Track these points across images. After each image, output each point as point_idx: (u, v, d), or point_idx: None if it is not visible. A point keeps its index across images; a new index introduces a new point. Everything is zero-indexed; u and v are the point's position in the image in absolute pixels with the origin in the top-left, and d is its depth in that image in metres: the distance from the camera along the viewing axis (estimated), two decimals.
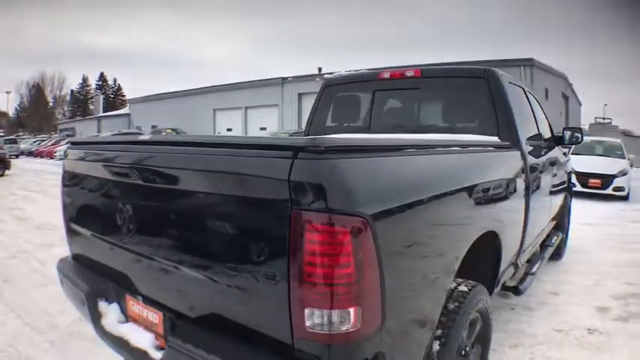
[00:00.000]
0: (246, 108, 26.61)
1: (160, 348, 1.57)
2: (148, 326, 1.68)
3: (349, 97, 3.41)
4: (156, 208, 1.62)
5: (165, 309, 1.60)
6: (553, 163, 3.68)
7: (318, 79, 22.38)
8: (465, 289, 1.83)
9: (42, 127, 51.37)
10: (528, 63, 18.31)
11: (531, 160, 2.80)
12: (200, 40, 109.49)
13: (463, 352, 1.88)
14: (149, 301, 1.67)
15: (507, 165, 2.47)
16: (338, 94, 3.46)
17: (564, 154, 4.56)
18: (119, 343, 1.72)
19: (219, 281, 1.38)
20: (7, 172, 15.74)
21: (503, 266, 2.37)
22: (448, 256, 1.68)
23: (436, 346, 1.64)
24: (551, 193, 3.67)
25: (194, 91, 30.32)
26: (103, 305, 1.86)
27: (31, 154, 29.64)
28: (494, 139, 2.63)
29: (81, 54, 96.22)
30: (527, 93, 3.51)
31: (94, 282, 1.92)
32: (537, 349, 2.84)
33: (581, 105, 35.07)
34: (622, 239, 5.82)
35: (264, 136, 2.54)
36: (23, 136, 42.79)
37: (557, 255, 4.66)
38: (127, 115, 37.27)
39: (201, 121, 28.58)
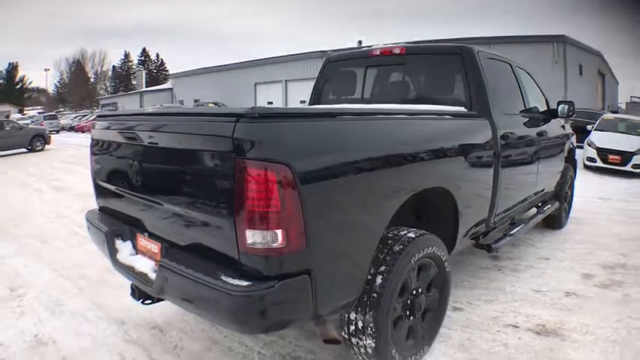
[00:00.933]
0: (286, 81, 26.88)
1: (156, 271, 1.99)
2: (150, 255, 2.12)
3: (347, 72, 3.65)
4: (152, 163, 2.07)
5: (162, 240, 2.04)
6: (542, 133, 3.80)
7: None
8: (412, 235, 2.17)
9: (83, 102, 52.23)
10: (560, 39, 17.76)
11: (506, 129, 2.99)
12: (243, 12, 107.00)
13: (415, 292, 2.21)
14: (152, 236, 2.12)
15: (467, 132, 2.70)
16: (337, 70, 3.71)
17: (562, 126, 4.60)
18: (129, 271, 2.18)
19: (192, 216, 1.86)
20: (47, 146, 16.79)
21: (463, 223, 2.63)
22: (378, 204, 1.98)
23: (379, 280, 2.00)
24: (542, 162, 3.80)
25: (235, 65, 30.61)
26: (118, 243, 2.32)
27: (72, 129, 30.41)
28: (460, 109, 2.85)
29: (122, 30, 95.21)
30: (516, 69, 3.67)
31: (113, 225, 2.39)
32: (511, 306, 3.06)
33: (618, 83, 33.44)
34: (631, 214, 5.78)
35: (225, 107, 2.94)
36: (64, 112, 44.03)
37: (557, 224, 4.78)
38: (170, 89, 37.83)
39: (242, 95, 28.87)
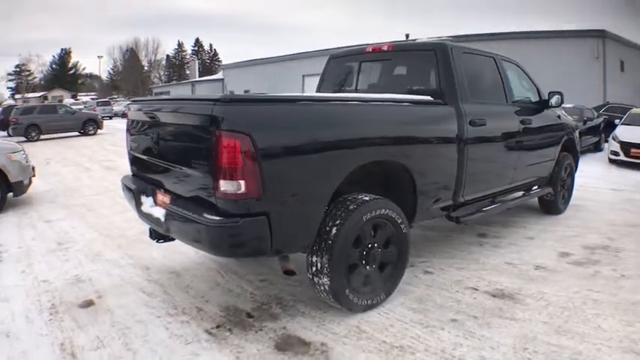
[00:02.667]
0: None
1: (165, 215, 2.65)
2: (164, 205, 2.73)
3: (346, 66, 4.13)
4: (164, 136, 2.71)
5: (172, 194, 2.67)
6: (527, 122, 4.11)
7: None
8: (367, 198, 2.66)
9: (137, 90, 53.78)
10: (600, 35, 17.07)
11: (475, 116, 3.38)
12: (297, 4, 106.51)
13: (370, 246, 2.68)
14: (166, 191, 2.74)
15: (427, 118, 3.14)
16: (339, 65, 4.20)
17: (558, 116, 4.81)
18: (149, 218, 2.86)
19: (189, 174, 2.49)
20: (99, 131, 18.24)
21: (422, 195, 3.06)
22: (325, 170, 2.48)
23: (334, 230, 2.51)
24: (527, 148, 4.12)
25: (284, 57, 31.53)
26: (143, 198, 2.96)
27: (124, 116, 32.39)
28: (427, 97, 3.26)
29: (175, 19, 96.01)
30: (502, 62, 4.03)
31: (140, 185, 3.04)
32: (478, 273, 3.42)
33: None
34: (636, 204, 5.81)
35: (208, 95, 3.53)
36: (117, 99, 46.00)
37: (554, 210, 5.00)
38: (221, 80, 38.98)
39: (290, 86, 29.68)
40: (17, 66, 57.26)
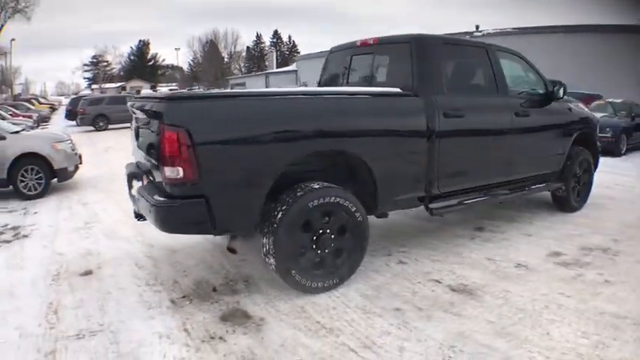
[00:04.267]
0: None
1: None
2: (139, 188, 3.15)
3: (342, 60, 4.26)
4: (141, 129, 3.13)
5: (150, 179, 3.05)
6: (524, 114, 3.99)
7: (467, 37, 22.72)
8: (316, 186, 2.84)
9: (217, 81, 55.24)
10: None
11: (451, 109, 3.38)
12: None
13: (321, 231, 2.88)
14: (148, 177, 3.11)
15: (388, 110, 3.20)
16: (336, 58, 4.35)
17: (569, 109, 4.55)
18: (132, 199, 3.30)
19: (154, 162, 2.82)
20: None
21: (384, 185, 3.15)
22: (263, 159, 2.70)
23: (279, 215, 2.75)
24: (525, 141, 4.03)
25: None
26: (134, 182, 3.37)
27: None
28: (394, 90, 3.31)
29: (253, 11, 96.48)
30: (496, 53, 3.93)
31: (135, 171, 3.44)
32: (451, 267, 3.44)
33: None
34: None
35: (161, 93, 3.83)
36: (197, 90, 48.18)
37: (567, 207, 4.77)
38: (295, 71, 39.69)
39: None
40: (94, 57, 60.75)
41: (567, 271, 3.39)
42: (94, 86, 57.75)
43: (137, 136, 3.33)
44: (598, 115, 9.62)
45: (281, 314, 2.75)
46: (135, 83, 55.74)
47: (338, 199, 2.91)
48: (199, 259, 3.67)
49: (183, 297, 2.99)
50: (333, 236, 2.95)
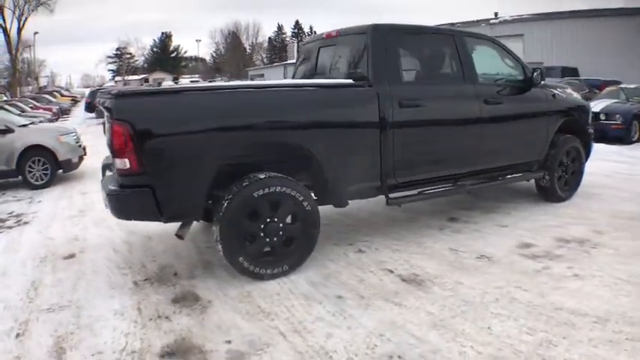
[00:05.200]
0: None
1: None
2: None
3: (311, 53, 4.28)
4: (106, 122, 3.25)
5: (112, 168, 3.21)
6: (495, 102, 3.92)
7: (483, 24, 22.77)
8: (262, 177, 2.93)
9: (240, 72, 55.37)
10: None
11: (406, 98, 3.38)
12: None
13: (269, 220, 2.98)
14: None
15: (340, 101, 3.24)
16: (305, 50, 4.39)
17: (553, 95, 4.38)
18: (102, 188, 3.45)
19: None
20: None
21: (333, 176, 3.21)
22: (203, 152, 2.81)
23: (225, 204, 2.86)
24: (496, 130, 3.96)
25: None
26: (107, 172, 3.55)
27: None
28: (346, 81, 3.34)
29: (274, 1, 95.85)
30: (462, 40, 3.85)
31: (106, 162, 3.62)
32: (409, 256, 3.45)
33: None
34: None
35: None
36: (219, 81, 49.09)
37: (553, 197, 4.63)
38: None
39: None
40: (117, 49, 61.78)
41: (533, 263, 3.30)
42: (117, 78, 59.01)
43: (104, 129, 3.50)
44: (609, 101, 9.30)
45: (228, 298, 2.88)
46: (157, 75, 56.53)
47: (284, 189, 2.98)
48: (170, 245, 3.84)
49: (146, 279, 3.18)
50: (281, 225, 3.02)
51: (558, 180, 4.57)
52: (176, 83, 31.98)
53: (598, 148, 8.41)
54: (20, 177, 6.47)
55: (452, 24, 24.75)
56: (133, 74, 59.29)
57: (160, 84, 32.89)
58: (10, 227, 4.74)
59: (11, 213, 5.30)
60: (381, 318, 2.60)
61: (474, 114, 3.79)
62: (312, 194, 3.31)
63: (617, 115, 8.58)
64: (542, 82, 4.17)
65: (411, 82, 3.47)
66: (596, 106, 8.93)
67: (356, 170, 3.32)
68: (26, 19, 34.88)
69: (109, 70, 64.94)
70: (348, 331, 2.48)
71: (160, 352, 2.34)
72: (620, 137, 8.54)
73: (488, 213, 4.44)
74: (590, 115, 4.99)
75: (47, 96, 26.54)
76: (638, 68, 13.42)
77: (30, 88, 39.83)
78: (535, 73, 4.05)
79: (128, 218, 3.03)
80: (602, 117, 8.76)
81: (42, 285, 3.17)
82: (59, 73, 63.64)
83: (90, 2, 73.64)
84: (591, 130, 4.89)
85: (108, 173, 3.51)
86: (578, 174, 4.78)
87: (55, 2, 35.33)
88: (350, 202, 3.45)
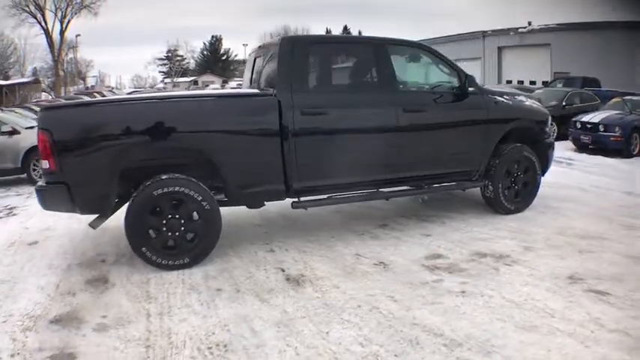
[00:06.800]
0: (456, 60, 27.30)
1: None
2: None
3: (250, 61, 4.61)
4: None
5: None
6: (415, 110, 4.01)
7: (512, 32, 23.12)
8: (164, 177, 3.35)
9: None
10: None
11: (309, 107, 3.64)
12: None
13: (170, 216, 3.40)
14: None
15: (239, 110, 3.60)
16: (250, 59, 4.69)
17: (495, 102, 4.22)
18: None
19: None
20: None
21: (232, 180, 3.55)
22: (108, 156, 3.30)
23: (130, 201, 3.35)
24: (420, 139, 4.06)
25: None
26: None
27: None
28: (254, 91, 3.70)
29: (322, 7, 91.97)
30: (384, 49, 3.99)
31: None
32: (310, 258, 3.66)
33: None
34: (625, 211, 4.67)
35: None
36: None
37: (500, 208, 4.54)
38: None
39: (422, 73, 30.06)
40: (168, 51, 62.89)
41: (429, 275, 3.33)
42: (167, 80, 60.71)
43: None
44: (611, 112, 9.03)
45: (129, 283, 3.32)
46: (207, 78, 57.10)
47: (183, 189, 3.37)
48: (114, 237, 4.23)
49: (78, 264, 3.73)
50: (183, 221, 3.42)
51: (506, 191, 4.42)
52: (223, 87, 33.33)
53: (594, 161, 8.02)
54: (25, 174, 7.40)
55: (484, 32, 25.30)
56: (182, 76, 60.72)
57: (206, 86, 34.59)
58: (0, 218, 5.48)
59: (7, 206, 6.07)
60: (238, 311, 2.87)
61: (389, 122, 3.89)
62: (223, 195, 3.68)
63: (617, 127, 8.31)
64: (471, 89, 4.13)
65: (318, 91, 3.68)
66: (596, 117, 8.74)
67: (258, 175, 3.62)
68: (69, 21, 36.14)
69: (160, 72, 66.47)
70: (202, 319, 2.79)
71: (51, 319, 2.84)
72: (619, 150, 8.27)
73: (422, 222, 4.46)
74: (549, 124, 4.70)
75: (83, 96, 26.95)
76: None
77: (77, 87, 41.65)
78: (465, 80, 4.02)
79: (50, 209, 3.58)
80: (601, 128, 8.49)
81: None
82: (108, 73, 66.28)
83: (136, 6, 77.11)
84: (550, 141, 4.62)
85: None
86: (532, 185, 4.57)
87: (100, 6, 36.43)
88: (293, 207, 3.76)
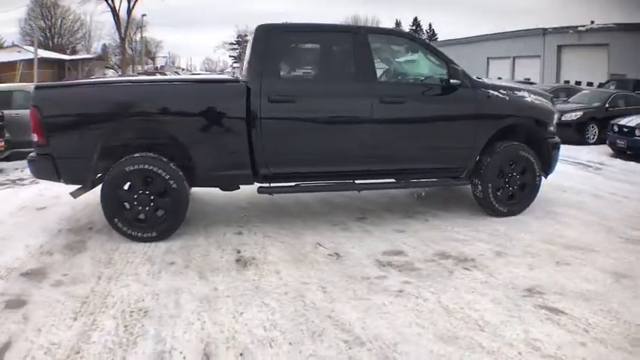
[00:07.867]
0: (514, 58, 27.15)
1: None
2: None
3: (244, 48, 4.82)
4: None
5: None
6: (393, 102, 3.86)
7: (571, 31, 22.10)
8: (136, 155, 3.61)
9: None
10: None
11: (278, 94, 3.67)
12: None
13: (140, 192, 3.67)
14: None
15: (207, 95, 3.71)
16: (243, 47, 4.92)
17: (488, 97, 3.95)
18: None
19: None
20: None
21: (200, 163, 3.71)
22: (88, 133, 3.60)
23: (106, 176, 3.66)
24: (399, 132, 3.94)
25: (472, 39, 31.45)
26: None
27: None
28: (225, 77, 3.79)
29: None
30: (364, 38, 3.88)
31: None
32: (273, 243, 3.71)
33: None
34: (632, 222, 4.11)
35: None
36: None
37: (490, 209, 4.25)
38: None
39: (476, 68, 29.18)
40: (239, 36, 60.28)
41: (375, 270, 3.24)
42: (236, 65, 60.13)
43: None
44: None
45: (101, 249, 3.60)
46: None
47: (151, 167, 3.61)
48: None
49: (69, 229, 4.08)
50: (152, 197, 3.68)
51: (498, 192, 4.06)
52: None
53: (625, 167, 7.21)
54: None
55: (544, 29, 24.16)
56: None
57: None
58: (23, 185, 6.00)
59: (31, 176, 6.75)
60: (175, 284, 3.02)
61: (363, 113, 3.79)
62: (196, 175, 3.87)
63: None
64: (457, 81, 3.88)
65: (288, 79, 3.68)
66: (633, 120, 8.04)
67: (224, 159, 3.74)
68: (135, 1, 35.71)
69: (230, 57, 65.70)
70: (142, 286, 2.99)
71: (23, 272, 3.21)
72: None
73: (405, 217, 4.30)
74: (553, 123, 4.18)
75: (142, 75, 27.70)
76: None
77: (146, 67, 41.46)
78: (452, 72, 3.81)
79: (39, 178, 3.97)
80: (637, 133, 7.69)
81: (3, 224, 4.25)
82: (178, 54, 67.57)
83: None
84: (555, 140, 4.11)
85: None
86: (530, 188, 4.15)
87: None
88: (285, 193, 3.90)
